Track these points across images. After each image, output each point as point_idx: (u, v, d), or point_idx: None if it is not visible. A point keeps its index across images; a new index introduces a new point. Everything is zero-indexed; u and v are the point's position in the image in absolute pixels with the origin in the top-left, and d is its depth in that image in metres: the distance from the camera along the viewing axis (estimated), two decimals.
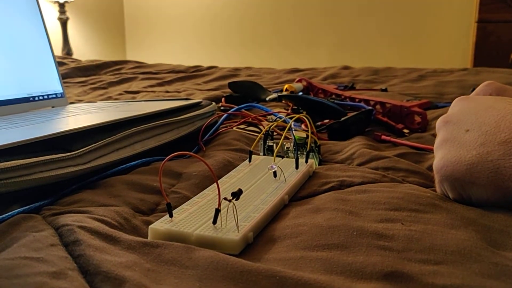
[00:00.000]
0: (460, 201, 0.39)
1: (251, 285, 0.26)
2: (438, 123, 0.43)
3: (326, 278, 0.27)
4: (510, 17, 2.19)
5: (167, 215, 0.35)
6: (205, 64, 1.71)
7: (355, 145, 0.58)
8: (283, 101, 0.93)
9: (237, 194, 0.35)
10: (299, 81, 1.01)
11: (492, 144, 0.36)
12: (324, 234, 0.33)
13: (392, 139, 0.63)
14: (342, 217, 0.35)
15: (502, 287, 0.26)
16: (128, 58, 3.24)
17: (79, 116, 0.60)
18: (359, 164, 0.52)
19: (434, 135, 0.64)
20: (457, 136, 0.39)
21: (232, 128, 0.69)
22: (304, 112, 0.79)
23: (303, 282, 0.26)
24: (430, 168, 0.52)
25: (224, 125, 0.71)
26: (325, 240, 0.32)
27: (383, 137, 0.64)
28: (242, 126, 0.72)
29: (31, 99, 0.71)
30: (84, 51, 3.00)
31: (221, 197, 0.34)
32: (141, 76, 1.41)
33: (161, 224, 0.34)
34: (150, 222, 0.35)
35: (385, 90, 1.08)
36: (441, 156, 0.40)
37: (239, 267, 0.28)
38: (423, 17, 2.61)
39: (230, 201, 0.34)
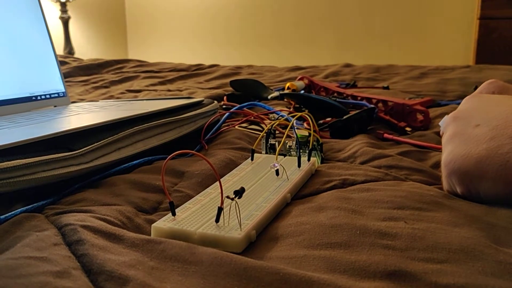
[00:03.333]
0: (468, 196, 0.39)
1: (254, 282, 0.26)
2: (447, 119, 0.43)
3: (329, 277, 0.27)
4: None
5: (170, 214, 0.35)
6: (207, 62, 1.71)
7: (358, 144, 0.58)
8: (285, 100, 0.92)
9: (239, 193, 0.35)
10: (301, 79, 1.01)
11: (502, 138, 0.36)
12: (327, 233, 0.32)
13: (395, 138, 0.63)
14: (345, 215, 0.35)
15: (506, 285, 0.26)
16: (130, 57, 3.24)
17: (81, 115, 0.60)
18: (362, 163, 0.52)
19: (437, 133, 0.64)
20: (466, 131, 0.39)
21: (234, 126, 0.69)
22: (306, 111, 0.79)
23: (307, 279, 0.26)
24: (433, 166, 0.51)
25: (226, 124, 0.71)
26: (328, 238, 0.32)
27: (386, 135, 0.64)
28: (244, 125, 0.72)
29: (34, 98, 0.71)
30: (86, 50, 3.01)
31: (224, 195, 0.34)
32: (143, 75, 1.41)
33: (164, 223, 0.34)
34: (153, 221, 0.35)
35: (387, 88, 1.08)
36: (449, 151, 0.39)
37: (242, 264, 0.28)
38: (425, 14, 2.60)
39: (232, 199, 0.34)
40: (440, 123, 0.62)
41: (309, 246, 0.31)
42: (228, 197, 0.34)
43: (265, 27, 2.92)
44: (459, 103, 0.87)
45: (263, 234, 0.34)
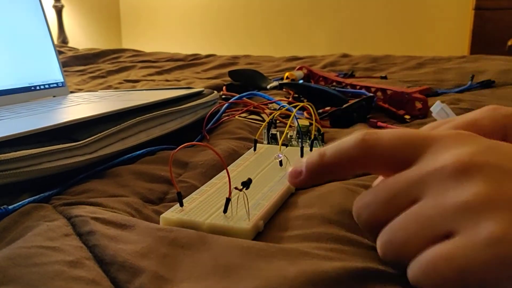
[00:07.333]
0: None
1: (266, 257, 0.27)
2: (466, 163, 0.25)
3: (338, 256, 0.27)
4: (507, 4, 2.19)
5: (178, 205, 0.35)
6: (202, 51, 1.70)
7: (357, 133, 0.59)
8: (284, 89, 0.93)
9: (247, 184, 0.35)
10: (300, 69, 1.01)
11: None
12: (333, 223, 0.33)
13: (388, 126, 0.63)
14: (351, 205, 0.36)
15: None
16: (124, 46, 3.21)
17: (82, 105, 0.60)
18: None
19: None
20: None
21: (234, 116, 0.69)
22: (305, 100, 0.79)
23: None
24: None
25: (226, 114, 0.71)
26: (335, 228, 0.32)
27: (379, 123, 0.64)
28: (244, 115, 0.72)
29: (32, 88, 0.70)
30: (80, 39, 2.98)
31: (231, 186, 0.34)
32: (140, 64, 1.40)
33: (172, 214, 0.34)
34: (160, 212, 0.35)
35: (384, 77, 1.08)
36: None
37: (254, 245, 0.28)
38: (421, 4, 2.60)
39: (241, 190, 0.34)
40: (432, 109, 0.62)
41: (316, 234, 0.32)
42: (236, 188, 0.34)
43: (260, 17, 2.91)
44: (456, 92, 0.88)
45: (270, 224, 0.35)
